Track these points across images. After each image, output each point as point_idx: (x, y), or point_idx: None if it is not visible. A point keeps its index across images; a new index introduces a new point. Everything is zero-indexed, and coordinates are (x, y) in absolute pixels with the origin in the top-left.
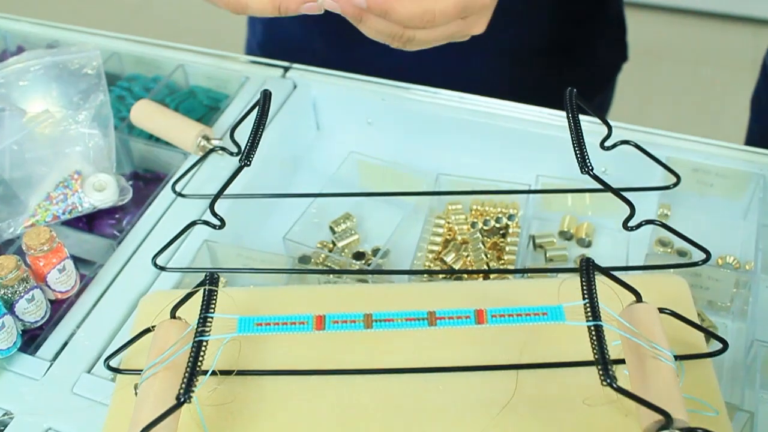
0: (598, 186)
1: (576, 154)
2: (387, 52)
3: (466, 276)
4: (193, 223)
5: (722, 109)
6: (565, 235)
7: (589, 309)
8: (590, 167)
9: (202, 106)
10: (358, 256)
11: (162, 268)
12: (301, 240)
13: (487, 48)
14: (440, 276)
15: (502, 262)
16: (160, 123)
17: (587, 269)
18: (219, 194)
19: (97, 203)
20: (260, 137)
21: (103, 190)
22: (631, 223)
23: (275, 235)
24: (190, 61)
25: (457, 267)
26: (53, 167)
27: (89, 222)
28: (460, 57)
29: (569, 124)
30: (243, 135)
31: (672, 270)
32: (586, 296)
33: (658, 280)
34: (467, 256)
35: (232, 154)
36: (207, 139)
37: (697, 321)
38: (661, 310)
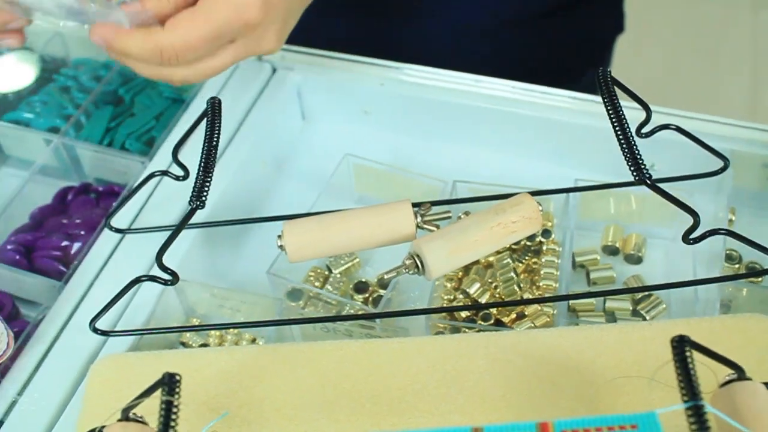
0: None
1: (626, 157)
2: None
3: (495, 311)
4: (136, 280)
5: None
6: (610, 250)
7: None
8: (647, 174)
9: (162, 99)
10: (360, 287)
11: (105, 333)
12: (290, 267)
13: (458, 17)
14: (463, 314)
15: (540, 292)
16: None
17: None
18: (167, 245)
19: None
20: (213, 164)
21: None
22: (693, 235)
23: (259, 260)
24: None
25: (483, 300)
26: None
27: (27, 253)
28: (421, 28)
29: (609, 116)
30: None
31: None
32: (684, 394)
33: (739, 322)
34: (495, 287)
35: (177, 178)
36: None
37: None
38: None
